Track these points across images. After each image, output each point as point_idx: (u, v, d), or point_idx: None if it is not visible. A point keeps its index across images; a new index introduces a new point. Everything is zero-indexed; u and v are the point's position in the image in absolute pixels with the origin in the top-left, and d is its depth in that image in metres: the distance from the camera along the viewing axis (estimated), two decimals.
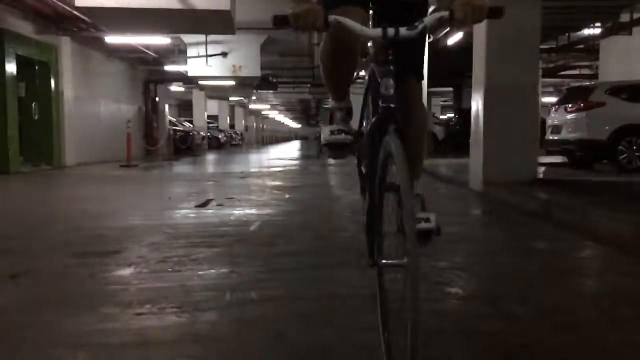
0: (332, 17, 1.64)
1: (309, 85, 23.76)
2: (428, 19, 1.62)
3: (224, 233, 4.21)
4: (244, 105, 36.70)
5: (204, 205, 5.75)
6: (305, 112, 51.55)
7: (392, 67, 1.66)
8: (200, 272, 3.05)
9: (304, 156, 19.80)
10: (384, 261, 1.72)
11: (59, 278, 2.97)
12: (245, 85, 20.71)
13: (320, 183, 8.82)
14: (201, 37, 14.37)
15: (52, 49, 11.75)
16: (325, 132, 2.07)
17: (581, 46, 14.43)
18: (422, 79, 2.06)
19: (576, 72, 20.23)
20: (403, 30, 1.62)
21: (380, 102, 1.66)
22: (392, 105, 1.63)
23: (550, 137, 9.90)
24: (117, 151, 14.18)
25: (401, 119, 1.69)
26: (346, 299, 2.58)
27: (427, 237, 1.82)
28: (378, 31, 1.62)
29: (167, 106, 20.28)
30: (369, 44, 1.87)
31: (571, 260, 3.52)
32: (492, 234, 4.55)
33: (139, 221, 4.82)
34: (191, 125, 23.35)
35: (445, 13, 1.63)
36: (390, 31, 1.60)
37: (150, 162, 14.96)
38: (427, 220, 1.81)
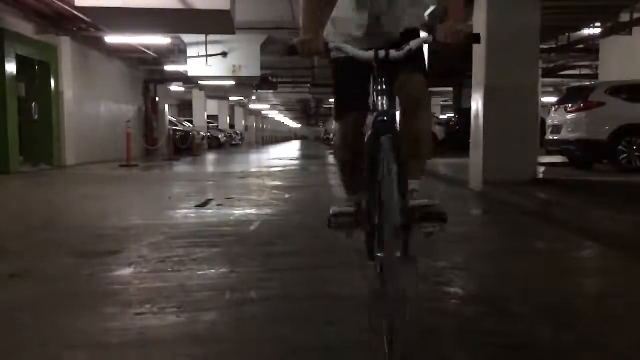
0: (332, 44, 1.96)
1: (309, 85, 23.76)
2: (413, 43, 1.89)
3: (223, 233, 4.21)
4: (244, 105, 36.69)
5: (204, 205, 5.75)
6: (305, 112, 51.52)
7: (385, 87, 1.87)
8: (200, 272, 3.05)
9: (304, 156, 19.80)
10: (379, 254, 1.72)
11: (59, 278, 2.97)
12: (245, 85, 20.70)
13: (320, 183, 8.82)
14: (201, 37, 14.36)
15: (52, 49, 11.75)
16: (334, 209, 2.24)
17: (581, 46, 14.42)
18: (427, 73, 2.26)
19: (576, 72, 20.22)
20: (393, 52, 1.87)
21: (375, 118, 1.86)
22: (386, 119, 1.82)
23: (550, 137, 9.89)
24: (117, 151, 14.18)
25: (403, 119, 2.05)
26: (346, 299, 2.58)
27: (431, 216, 2.00)
28: (370, 54, 1.88)
29: (167, 106, 20.28)
30: None
31: (571, 260, 3.52)
32: (492, 234, 4.55)
33: (139, 221, 4.82)
34: (191, 125, 23.34)
35: (430, 37, 1.91)
36: (381, 53, 1.86)
37: (150, 162, 14.96)
38: (431, 204, 2.04)
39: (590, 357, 1.97)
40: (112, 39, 12.78)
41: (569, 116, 9.22)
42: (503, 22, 6.72)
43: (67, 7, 10.18)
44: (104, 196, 7.04)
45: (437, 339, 2.10)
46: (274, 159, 17.69)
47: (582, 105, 8.95)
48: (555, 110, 9.90)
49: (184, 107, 29.73)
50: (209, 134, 25.68)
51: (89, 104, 13.91)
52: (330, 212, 2.22)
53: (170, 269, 3.11)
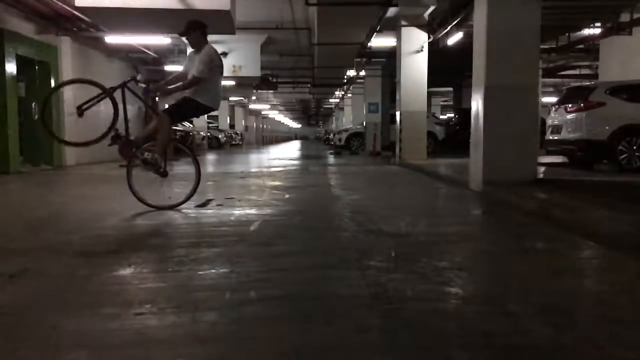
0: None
1: (309, 85, 23.78)
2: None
3: (223, 233, 4.21)
4: (244, 105, 36.69)
5: (204, 205, 5.75)
6: (305, 112, 51.62)
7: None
8: (200, 272, 3.05)
9: (304, 156, 19.80)
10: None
11: (59, 278, 2.97)
12: (245, 85, 20.69)
13: (320, 183, 8.82)
14: None
15: (52, 49, 11.75)
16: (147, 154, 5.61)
17: (581, 46, 14.43)
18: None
19: (576, 72, 20.24)
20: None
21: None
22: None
23: (550, 137, 9.89)
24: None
25: None
26: (346, 299, 2.58)
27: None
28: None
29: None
30: None
31: (571, 260, 3.52)
32: (492, 234, 4.55)
33: (139, 221, 4.83)
34: (191, 125, 23.33)
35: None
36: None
37: None
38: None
39: (590, 358, 1.97)
40: (112, 39, 12.77)
41: (569, 116, 9.22)
42: (503, 22, 6.72)
43: (67, 7, 10.18)
44: (104, 196, 7.04)
45: (437, 339, 2.10)
46: (274, 159, 17.69)
47: (582, 105, 8.95)
48: (555, 110, 9.90)
49: None
50: (209, 134, 25.67)
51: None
52: (146, 155, 5.72)
53: (170, 269, 3.10)
